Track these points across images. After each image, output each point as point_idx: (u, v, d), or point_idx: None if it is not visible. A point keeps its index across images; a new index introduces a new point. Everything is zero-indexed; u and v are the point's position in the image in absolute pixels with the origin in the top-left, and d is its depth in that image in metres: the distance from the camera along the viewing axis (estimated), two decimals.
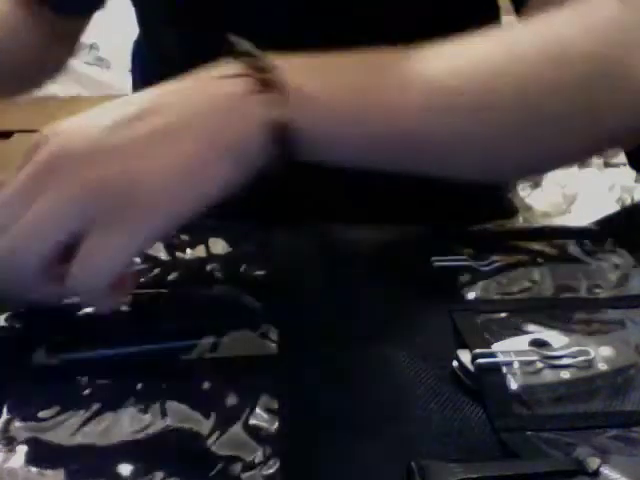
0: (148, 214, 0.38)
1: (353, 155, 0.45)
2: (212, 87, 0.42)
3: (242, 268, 0.48)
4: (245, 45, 0.43)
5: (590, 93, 0.48)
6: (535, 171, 0.61)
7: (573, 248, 0.51)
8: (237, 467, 0.33)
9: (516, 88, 0.46)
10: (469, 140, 0.47)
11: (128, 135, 0.39)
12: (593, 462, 0.33)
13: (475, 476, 0.33)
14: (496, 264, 0.49)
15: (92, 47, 2.22)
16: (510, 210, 0.75)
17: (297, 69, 0.42)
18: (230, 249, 0.50)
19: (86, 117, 0.41)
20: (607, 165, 2.17)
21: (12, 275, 0.39)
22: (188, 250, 0.50)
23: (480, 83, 0.46)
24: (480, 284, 0.47)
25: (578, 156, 0.56)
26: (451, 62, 0.46)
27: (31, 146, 0.40)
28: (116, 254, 0.38)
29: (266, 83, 0.41)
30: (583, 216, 1.88)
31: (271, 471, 0.33)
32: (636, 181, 2.13)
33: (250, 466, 0.33)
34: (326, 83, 0.43)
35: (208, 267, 0.48)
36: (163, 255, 0.49)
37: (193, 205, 0.40)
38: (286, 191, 0.60)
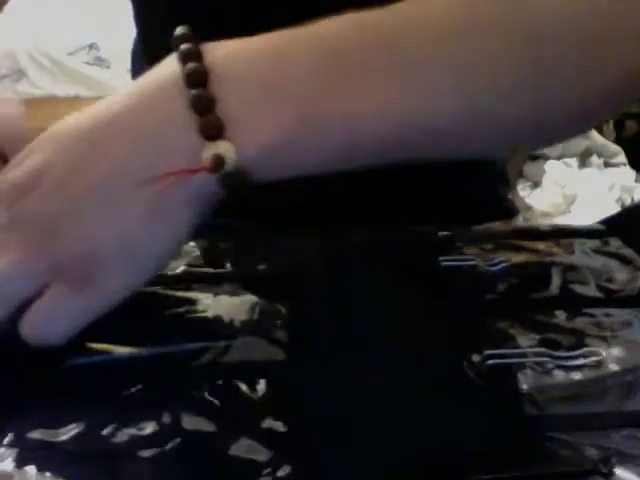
0: (108, 280, 0.38)
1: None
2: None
3: (246, 269, 0.48)
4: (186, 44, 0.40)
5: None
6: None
7: (580, 247, 0.51)
8: (248, 471, 0.33)
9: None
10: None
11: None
12: (607, 462, 0.33)
13: (487, 477, 0.33)
14: (503, 264, 0.49)
15: (92, 47, 2.21)
16: (510, 210, 0.75)
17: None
18: (233, 249, 0.50)
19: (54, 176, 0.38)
20: (607, 165, 2.17)
21: None
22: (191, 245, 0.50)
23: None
24: (488, 284, 0.47)
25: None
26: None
27: (9, 184, 0.39)
28: (72, 318, 0.38)
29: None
30: (583, 216, 1.88)
31: (282, 474, 0.33)
32: (636, 181, 2.13)
33: (261, 470, 0.33)
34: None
35: (213, 269, 0.48)
36: None
37: (155, 264, 0.39)
38: (288, 192, 0.60)
